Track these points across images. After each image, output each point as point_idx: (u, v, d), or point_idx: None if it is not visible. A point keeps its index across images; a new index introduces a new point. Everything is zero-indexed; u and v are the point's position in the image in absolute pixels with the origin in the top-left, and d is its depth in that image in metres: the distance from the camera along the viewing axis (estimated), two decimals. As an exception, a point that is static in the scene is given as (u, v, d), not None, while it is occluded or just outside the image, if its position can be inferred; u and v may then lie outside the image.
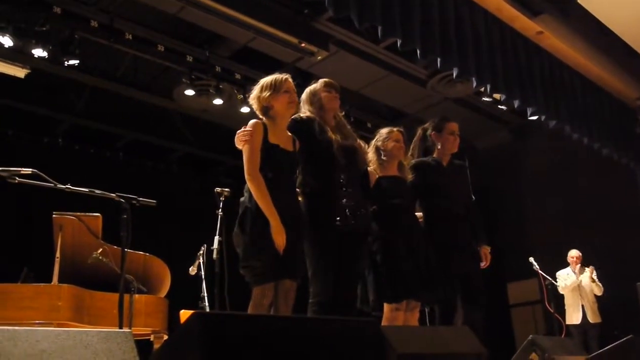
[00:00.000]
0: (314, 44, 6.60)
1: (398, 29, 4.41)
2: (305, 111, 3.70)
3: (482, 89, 7.34)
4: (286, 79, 3.46)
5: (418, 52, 4.64)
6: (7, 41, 5.80)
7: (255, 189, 3.21)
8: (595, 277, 7.41)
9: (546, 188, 8.89)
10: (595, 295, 7.43)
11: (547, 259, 7.30)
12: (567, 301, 7.55)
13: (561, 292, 7.50)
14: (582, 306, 7.41)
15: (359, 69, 7.43)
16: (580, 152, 7.36)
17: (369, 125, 8.59)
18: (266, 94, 3.39)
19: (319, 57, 6.84)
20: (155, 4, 6.12)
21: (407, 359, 2.45)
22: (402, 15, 4.44)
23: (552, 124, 5.98)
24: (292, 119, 3.57)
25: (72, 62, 6.23)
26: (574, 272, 7.54)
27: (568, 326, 7.44)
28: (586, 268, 7.51)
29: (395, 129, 4.30)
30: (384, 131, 4.30)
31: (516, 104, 5.57)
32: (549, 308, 7.19)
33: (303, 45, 6.55)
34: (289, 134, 3.50)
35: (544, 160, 8.99)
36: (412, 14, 4.52)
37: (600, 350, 3.89)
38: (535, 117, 6.00)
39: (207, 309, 5.05)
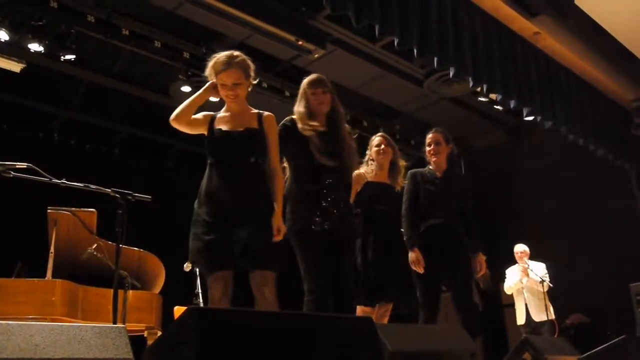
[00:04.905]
0: (311, 42, 6.59)
1: (396, 28, 4.41)
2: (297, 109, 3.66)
3: (479, 89, 7.33)
4: (222, 70, 3.34)
5: (415, 50, 4.64)
6: (3, 35, 5.79)
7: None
8: (535, 273, 6.86)
9: (542, 189, 8.90)
10: (548, 292, 6.84)
11: (541, 259, 7.31)
12: (515, 301, 7.13)
13: (507, 292, 7.20)
14: (526, 305, 7.00)
15: (355, 68, 7.43)
16: (575, 153, 7.36)
17: (365, 124, 8.60)
18: (212, 76, 3.38)
19: (316, 55, 6.84)
20: (152, -1, 6.12)
21: (399, 357, 2.45)
22: (399, 14, 4.44)
23: (548, 125, 5.99)
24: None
25: (68, 56, 6.21)
26: (519, 270, 7.06)
27: (520, 326, 7.02)
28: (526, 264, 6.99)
29: (378, 135, 4.36)
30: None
31: (512, 104, 5.57)
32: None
33: (300, 43, 6.53)
34: (250, 112, 3.41)
35: (539, 161, 9.00)
36: (409, 13, 4.52)
37: (594, 350, 3.90)
38: (531, 118, 6.00)
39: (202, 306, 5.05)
